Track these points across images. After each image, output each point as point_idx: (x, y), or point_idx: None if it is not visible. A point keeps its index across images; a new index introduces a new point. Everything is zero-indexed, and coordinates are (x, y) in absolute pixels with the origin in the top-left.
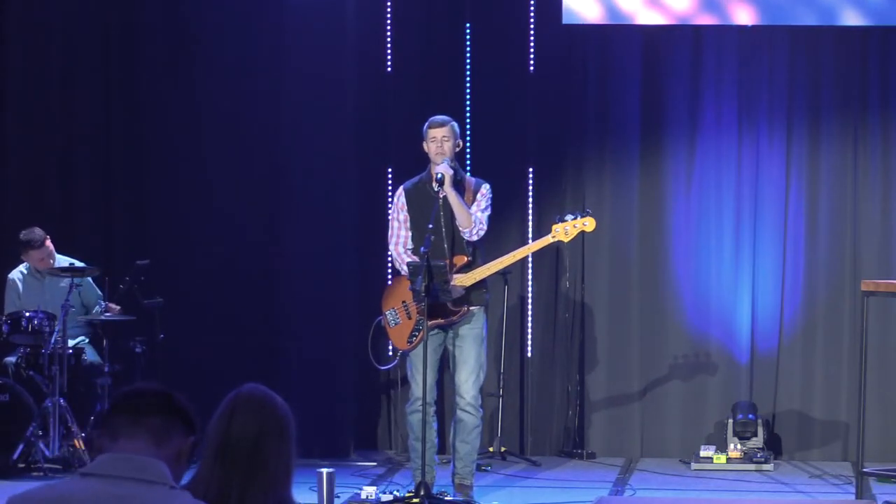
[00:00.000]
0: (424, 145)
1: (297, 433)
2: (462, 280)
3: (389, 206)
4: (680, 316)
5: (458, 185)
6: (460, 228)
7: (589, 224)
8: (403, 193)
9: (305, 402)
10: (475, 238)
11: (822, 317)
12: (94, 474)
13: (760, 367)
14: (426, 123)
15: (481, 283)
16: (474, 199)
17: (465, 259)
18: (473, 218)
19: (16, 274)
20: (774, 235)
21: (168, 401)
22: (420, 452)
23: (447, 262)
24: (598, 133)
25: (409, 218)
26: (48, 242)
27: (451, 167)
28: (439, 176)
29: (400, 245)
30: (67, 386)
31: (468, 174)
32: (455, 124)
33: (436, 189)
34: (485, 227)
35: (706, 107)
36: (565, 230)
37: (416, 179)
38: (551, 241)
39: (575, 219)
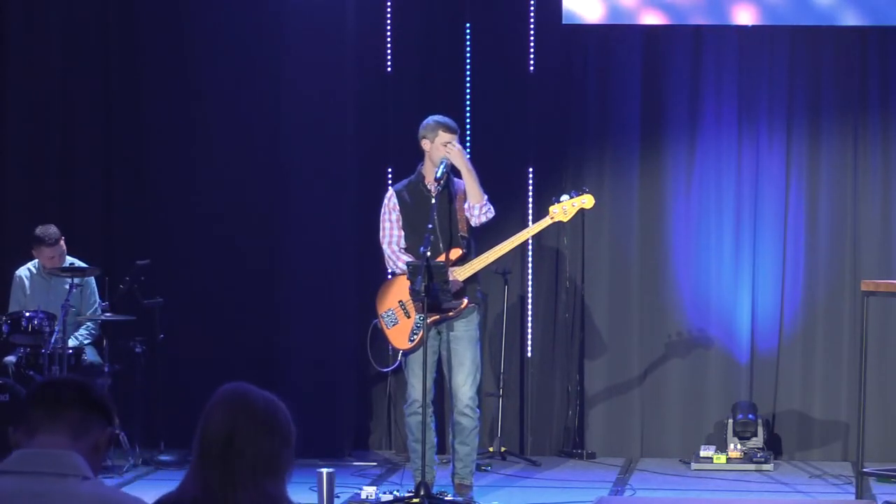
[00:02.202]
0: (426, 144)
1: (296, 433)
2: (459, 272)
3: None
4: (680, 316)
5: (450, 188)
6: (471, 204)
7: (587, 201)
8: (395, 195)
9: (304, 402)
10: (484, 219)
11: (822, 317)
12: (10, 472)
13: (760, 367)
14: (437, 125)
15: (475, 281)
16: (466, 199)
17: (461, 251)
18: (485, 197)
19: (23, 271)
20: (774, 235)
21: (86, 393)
22: (420, 453)
23: (445, 259)
24: (598, 133)
25: (401, 218)
26: (62, 242)
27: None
28: (439, 174)
29: (394, 243)
30: None
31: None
32: None
33: (438, 182)
34: (492, 211)
35: (706, 107)
36: (563, 210)
37: (405, 182)
38: (550, 222)
39: (572, 198)
